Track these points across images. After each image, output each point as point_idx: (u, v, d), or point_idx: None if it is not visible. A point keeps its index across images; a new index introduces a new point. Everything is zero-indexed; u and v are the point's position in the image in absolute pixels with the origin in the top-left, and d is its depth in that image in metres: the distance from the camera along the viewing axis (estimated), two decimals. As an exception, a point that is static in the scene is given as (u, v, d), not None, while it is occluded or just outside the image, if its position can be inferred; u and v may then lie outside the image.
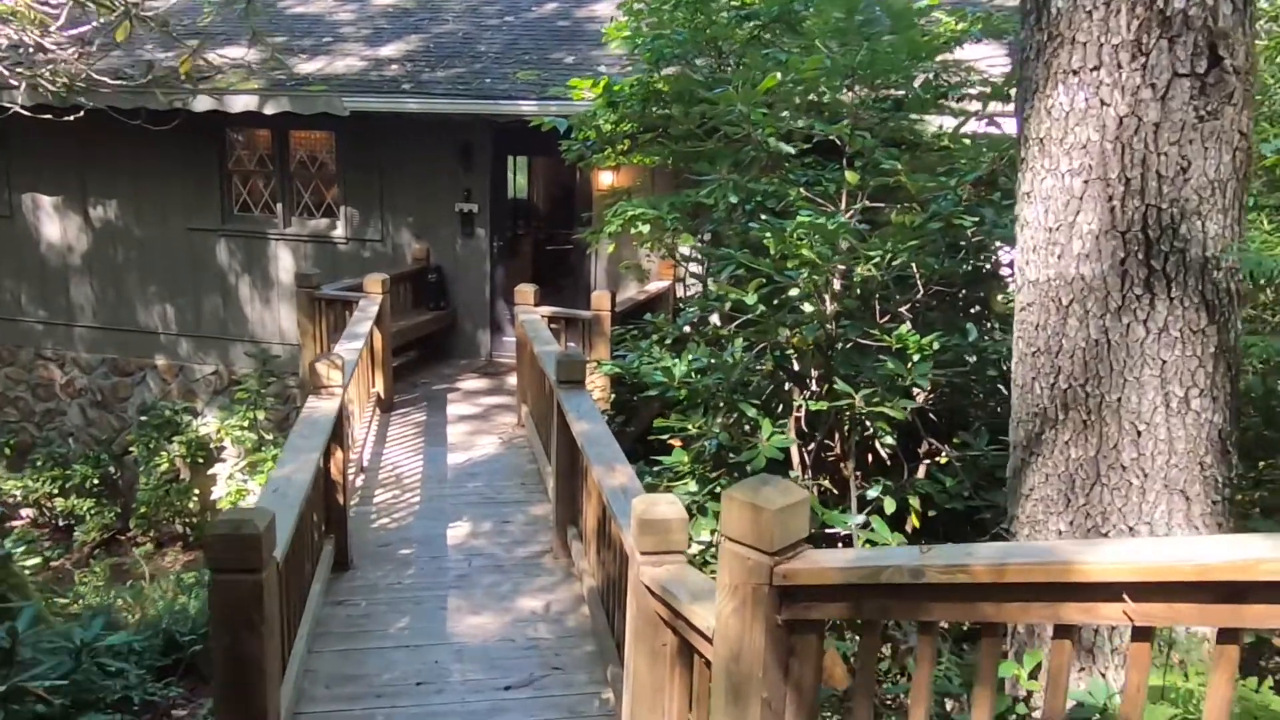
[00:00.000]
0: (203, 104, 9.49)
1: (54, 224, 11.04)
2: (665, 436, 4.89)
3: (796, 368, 4.89)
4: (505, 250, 10.03)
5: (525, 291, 7.67)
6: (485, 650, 4.31)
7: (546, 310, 7.79)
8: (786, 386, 4.94)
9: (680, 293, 9.41)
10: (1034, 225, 3.19)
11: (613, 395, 7.37)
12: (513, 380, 9.27)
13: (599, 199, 9.48)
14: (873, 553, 2.71)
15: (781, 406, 4.84)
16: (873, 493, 4.11)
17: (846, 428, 4.46)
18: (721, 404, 4.45)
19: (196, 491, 10.60)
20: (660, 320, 6.12)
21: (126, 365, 11.22)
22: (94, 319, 11.17)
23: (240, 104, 9.44)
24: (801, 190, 4.96)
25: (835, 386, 4.19)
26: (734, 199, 5.21)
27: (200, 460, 10.64)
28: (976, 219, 4.75)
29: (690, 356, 4.72)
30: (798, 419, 4.63)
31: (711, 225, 6.12)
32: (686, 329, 5.76)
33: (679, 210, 6.19)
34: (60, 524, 11.20)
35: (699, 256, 7.54)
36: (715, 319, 6.19)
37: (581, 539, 5.13)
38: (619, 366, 6.40)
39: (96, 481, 10.92)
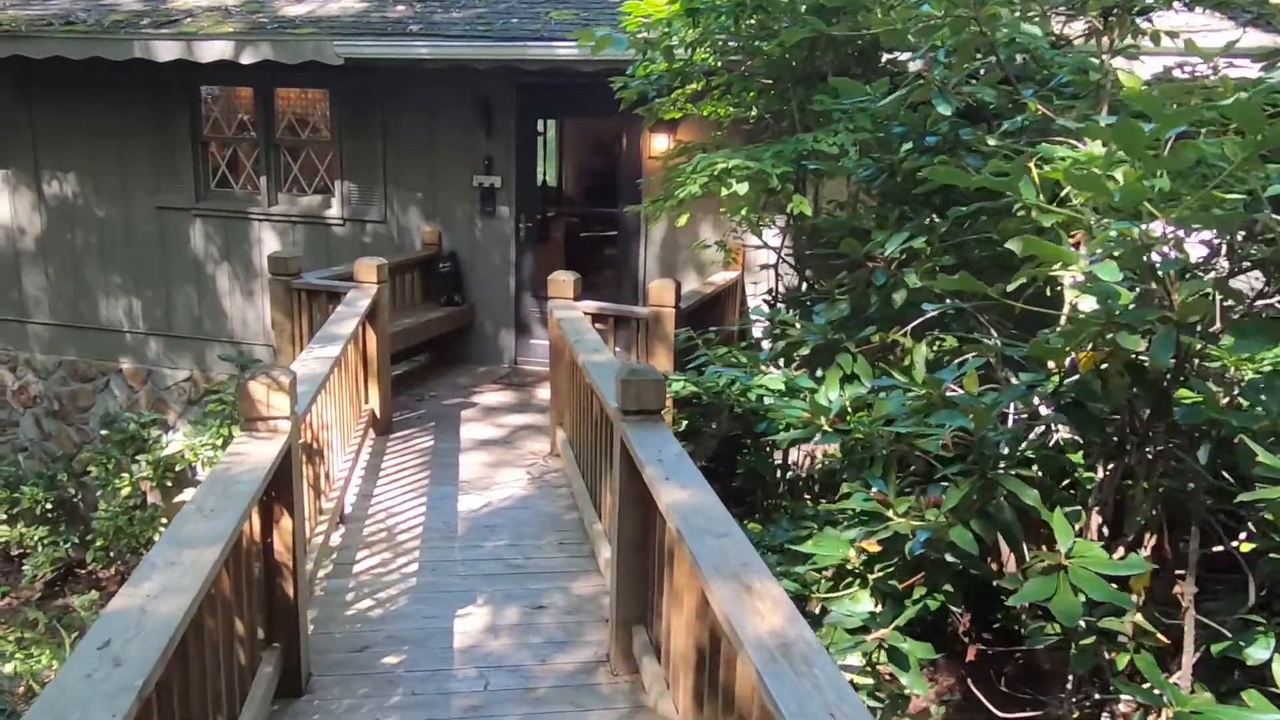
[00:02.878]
0: (168, 51, 7.77)
1: (2, 202, 9.36)
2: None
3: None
4: (534, 234, 8.23)
5: (562, 281, 5.87)
6: None
7: (589, 306, 5.99)
8: (1056, 442, 3.07)
9: (757, 287, 7.58)
10: None
11: (675, 416, 5.54)
12: (543, 394, 7.47)
13: (654, 167, 7.67)
14: None
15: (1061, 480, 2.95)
16: (1259, 650, 2.26)
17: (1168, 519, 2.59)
18: (969, 474, 2.57)
19: (164, 520, 8.87)
20: (787, 318, 4.22)
21: (87, 369, 9.53)
22: (49, 314, 9.48)
23: (213, 51, 7.70)
24: (1037, 107, 3.12)
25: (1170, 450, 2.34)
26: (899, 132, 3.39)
27: (169, 483, 8.88)
28: None
29: (845, 379, 2.88)
30: (1104, 506, 2.76)
31: (858, 175, 4.25)
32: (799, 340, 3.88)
33: (787, 162, 4.36)
34: (12, 554, 9.58)
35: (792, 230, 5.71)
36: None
37: (659, 655, 3.32)
38: (695, 384, 4.58)
39: (50, 506, 9.23)
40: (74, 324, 9.42)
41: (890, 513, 2.70)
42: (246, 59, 7.65)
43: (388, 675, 3.57)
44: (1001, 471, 2.66)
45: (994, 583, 2.77)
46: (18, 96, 8.99)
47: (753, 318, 5.27)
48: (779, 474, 5.62)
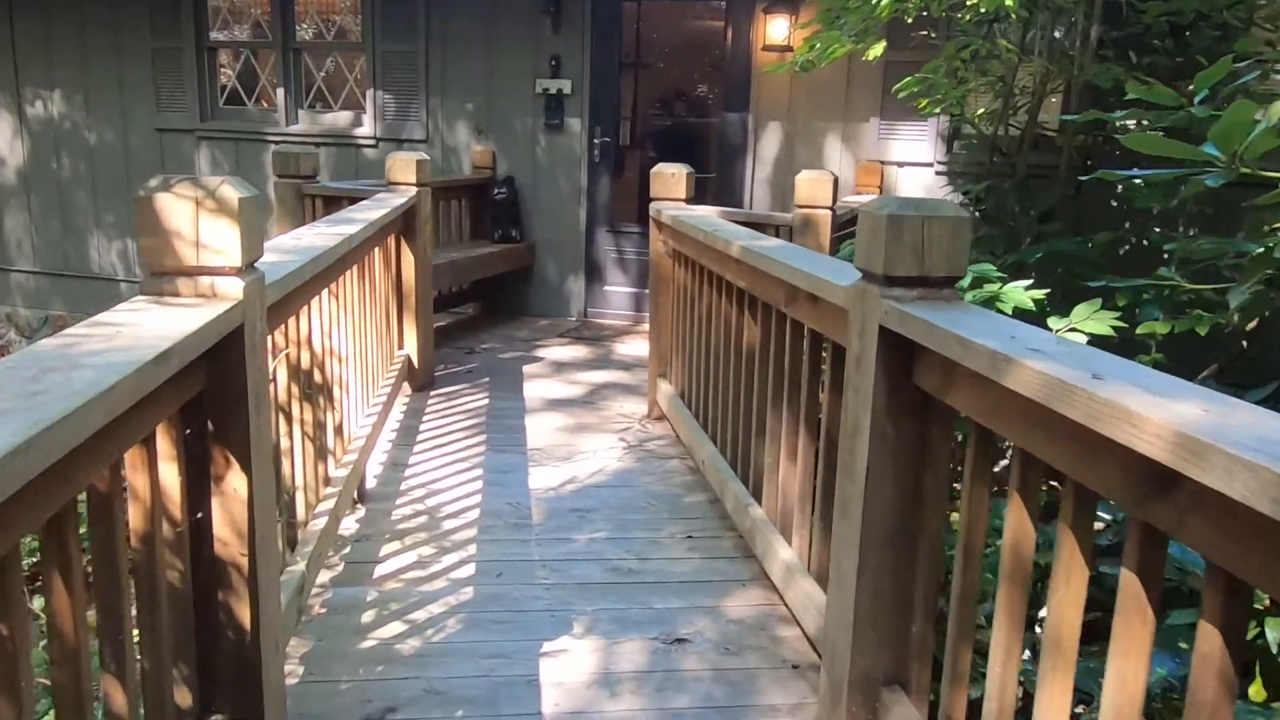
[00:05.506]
0: (161, -78, 6.26)
1: (-22, 126, 7.94)
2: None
3: None
4: (611, 153, 6.60)
5: (671, 176, 4.23)
6: None
7: (707, 210, 4.34)
8: None
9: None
10: None
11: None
12: (625, 350, 5.87)
13: (767, 61, 6.01)
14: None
15: None
16: None
17: None
18: None
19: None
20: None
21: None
22: (34, 261, 8.04)
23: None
24: None
25: None
26: None
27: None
28: None
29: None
30: None
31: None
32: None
33: None
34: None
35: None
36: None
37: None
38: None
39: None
40: (62, 272, 7.96)
41: None
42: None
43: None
44: None
45: None
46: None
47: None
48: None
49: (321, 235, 2.69)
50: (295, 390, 2.49)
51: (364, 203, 4.03)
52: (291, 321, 2.41)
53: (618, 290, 6.68)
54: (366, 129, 6.98)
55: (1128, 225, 4.74)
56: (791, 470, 2.63)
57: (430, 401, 4.65)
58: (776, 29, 5.91)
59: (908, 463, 1.82)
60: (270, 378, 2.11)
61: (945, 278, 1.77)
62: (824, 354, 2.43)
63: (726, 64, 6.30)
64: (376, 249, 3.96)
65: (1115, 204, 4.88)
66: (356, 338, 3.47)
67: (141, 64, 7.36)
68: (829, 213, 4.05)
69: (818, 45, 3.72)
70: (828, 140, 6.09)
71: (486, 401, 4.69)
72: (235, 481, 1.67)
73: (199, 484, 1.65)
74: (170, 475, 1.58)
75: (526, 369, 5.37)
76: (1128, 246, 4.68)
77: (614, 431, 4.28)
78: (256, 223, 1.69)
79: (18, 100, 7.74)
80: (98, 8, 7.35)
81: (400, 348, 4.74)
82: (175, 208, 1.56)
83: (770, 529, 2.74)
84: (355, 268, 3.41)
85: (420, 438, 4.09)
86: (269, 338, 2.12)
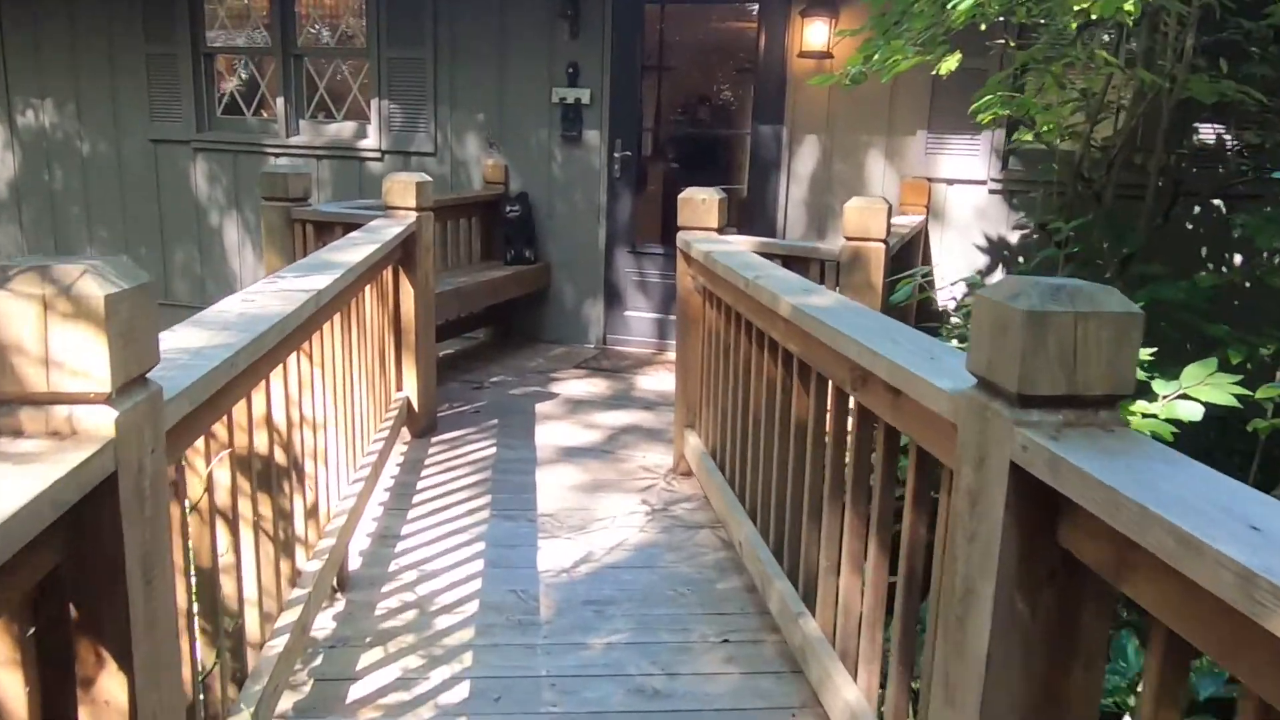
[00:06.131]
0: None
1: (-33, 136, 7.55)
2: None
3: None
4: (633, 168, 6.10)
5: (700, 202, 3.73)
6: None
7: (743, 240, 3.84)
8: None
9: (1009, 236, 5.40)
10: None
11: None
12: (646, 384, 5.38)
13: (804, 71, 5.51)
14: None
15: None
16: None
17: None
18: None
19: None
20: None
21: (70, 346, 7.66)
22: (25, 277, 7.63)
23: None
24: None
25: None
26: None
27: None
28: None
29: None
30: None
31: None
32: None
33: None
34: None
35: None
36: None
37: None
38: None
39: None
40: (54, 289, 7.55)
41: None
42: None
43: None
44: None
45: None
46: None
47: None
48: None
49: (282, 296, 2.21)
50: (248, 485, 2.02)
51: (354, 235, 3.56)
52: (240, 406, 1.94)
53: (639, 316, 6.20)
54: (371, 141, 6.52)
55: (1227, 264, 4.20)
56: (855, 582, 2.13)
57: (431, 450, 4.18)
58: (815, 34, 5.40)
59: (1046, 651, 1.32)
60: (196, 498, 1.64)
61: (1105, 396, 1.27)
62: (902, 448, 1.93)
63: (759, 71, 5.79)
64: (369, 286, 3.50)
65: (1200, 233, 4.34)
66: (343, 393, 3.00)
67: (135, 71, 6.95)
68: (882, 247, 3.54)
69: (875, 56, 3.21)
70: (870, 155, 5.58)
71: (493, 451, 4.21)
72: (110, 686, 1.19)
73: (59, 694, 1.18)
74: (11, 689, 1.10)
75: (539, 408, 4.89)
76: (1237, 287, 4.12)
77: (636, 491, 3.79)
78: (142, 323, 1.21)
79: (8, 109, 7.35)
80: (89, 10, 6.94)
81: (399, 389, 4.28)
82: (13, 312, 1.09)
83: (828, 651, 2.24)
84: (340, 314, 2.95)
85: (417, 500, 3.61)
86: (204, 441, 1.65)
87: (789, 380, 2.56)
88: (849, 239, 3.57)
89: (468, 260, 6.00)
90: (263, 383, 2.08)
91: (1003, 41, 4.14)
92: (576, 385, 5.35)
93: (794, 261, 3.74)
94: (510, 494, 3.70)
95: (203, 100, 6.90)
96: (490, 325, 6.33)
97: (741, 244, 3.71)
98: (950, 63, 3.13)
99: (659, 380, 5.46)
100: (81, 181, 7.31)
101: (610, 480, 3.91)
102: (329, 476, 2.87)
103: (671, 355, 6.06)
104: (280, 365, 2.16)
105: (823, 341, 2.13)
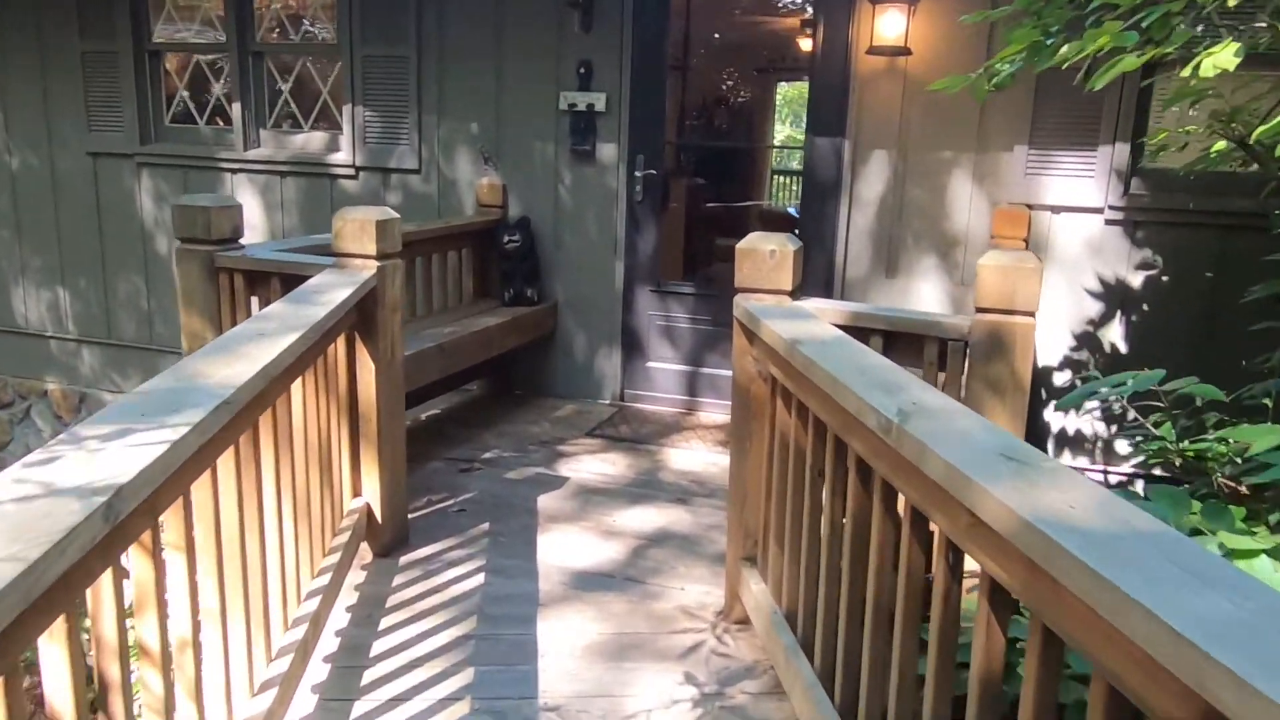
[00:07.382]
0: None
1: (-118, 148, 6.52)
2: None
3: None
4: (656, 189, 5.03)
5: (770, 256, 2.65)
6: None
7: (828, 306, 2.76)
8: None
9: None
10: None
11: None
12: (677, 461, 4.33)
13: (872, 70, 4.44)
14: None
15: None
16: None
17: None
18: None
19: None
20: None
21: (2, 392, 6.65)
22: (-50, 311, 6.62)
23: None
24: None
25: None
26: None
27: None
28: None
29: None
30: None
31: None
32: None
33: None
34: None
35: None
36: None
37: None
38: None
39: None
40: (-18, 325, 6.54)
41: None
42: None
43: None
44: None
45: None
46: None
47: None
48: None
49: (130, 450, 1.15)
50: None
51: (272, 310, 2.49)
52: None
53: (664, 368, 5.13)
54: (344, 154, 5.46)
55: None
56: None
57: (398, 580, 3.12)
58: (889, 25, 4.32)
59: None
60: None
61: None
62: None
63: (815, 72, 4.72)
64: (302, 377, 2.44)
65: None
66: (251, 560, 1.94)
67: (69, 71, 5.91)
68: (1032, 322, 2.47)
69: (1065, 49, 2.07)
70: (954, 176, 4.50)
71: (480, 580, 3.14)
72: None
73: None
74: None
75: (542, 502, 3.82)
76: None
77: (676, 658, 2.72)
78: None
79: (-74, 117, 6.31)
80: (19, 5, 5.91)
81: (356, 494, 3.22)
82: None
83: None
84: (244, 436, 1.90)
85: (369, 675, 2.55)
86: None
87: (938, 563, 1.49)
88: (984, 310, 2.49)
89: (457, 301, 4.94)
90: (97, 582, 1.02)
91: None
92: (589, 464, 4.28)
93: (900, 338, 2.66)
94: (500, 665, 2.64)
95: (148, 106, 5.86)
96: (486, 377, 5.27)
97: (825, 312, 2.64)
98: (1225, 56, 1.97)
99: (692, 455, 4.40)
100: (10, 201, 6.27)
101: (640, 637, 2.84)
102: (220, 679, 1.81)
103: (705, 418, 4.99)
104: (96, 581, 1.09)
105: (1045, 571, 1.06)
